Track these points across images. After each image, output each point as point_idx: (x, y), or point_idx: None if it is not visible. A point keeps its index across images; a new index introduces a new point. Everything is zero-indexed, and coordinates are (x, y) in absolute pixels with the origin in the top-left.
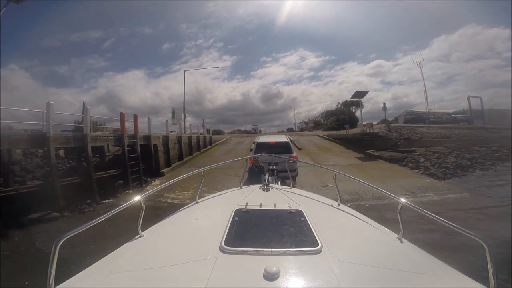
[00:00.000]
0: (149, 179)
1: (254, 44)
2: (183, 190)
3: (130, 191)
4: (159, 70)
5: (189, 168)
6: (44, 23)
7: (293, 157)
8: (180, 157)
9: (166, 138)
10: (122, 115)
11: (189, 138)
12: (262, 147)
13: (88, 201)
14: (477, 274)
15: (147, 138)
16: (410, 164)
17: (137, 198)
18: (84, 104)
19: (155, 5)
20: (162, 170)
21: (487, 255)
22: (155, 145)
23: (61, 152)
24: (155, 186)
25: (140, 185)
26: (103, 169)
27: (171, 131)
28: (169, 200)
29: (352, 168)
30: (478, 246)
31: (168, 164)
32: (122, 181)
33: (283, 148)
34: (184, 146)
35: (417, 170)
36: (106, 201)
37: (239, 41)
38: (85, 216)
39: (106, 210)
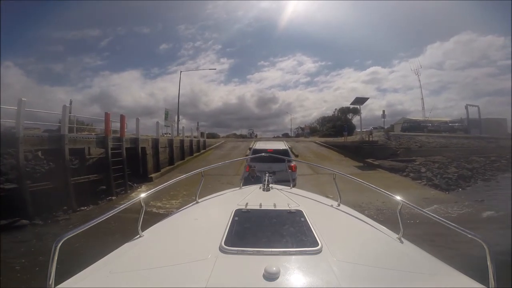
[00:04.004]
0: (135, 184)
1: (252, 47)
2: (171, 198)
3: (114, 198)
4: (155, 71)
5: (180, 173)
6: (42, 21)
7: (291, 167)
8: (171, 162)
9: (155, 141)
10: (106, 115)
11: (181, 141)
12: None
13: (64, 207)
14: (477, 274)
15: (135, 140)
16: (411, 175)
17: (138, 198)
18: (71, 102)
19: (153, 5)
20: (150, 175)
21: (487, 255)
22: (143, 148)
23: (40, 153)
24: (142, 192)
25: (124, 191)
26: (83, 173)
27: (165, 133)
28: (154, 210)
29: None
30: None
31: (157, 168)
32: (104, 187)
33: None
34: (176, 150)
35: (419, 181)
36: (85, 208)
37: (237, 44)
38: (58, 225)
39: (83, 218)
